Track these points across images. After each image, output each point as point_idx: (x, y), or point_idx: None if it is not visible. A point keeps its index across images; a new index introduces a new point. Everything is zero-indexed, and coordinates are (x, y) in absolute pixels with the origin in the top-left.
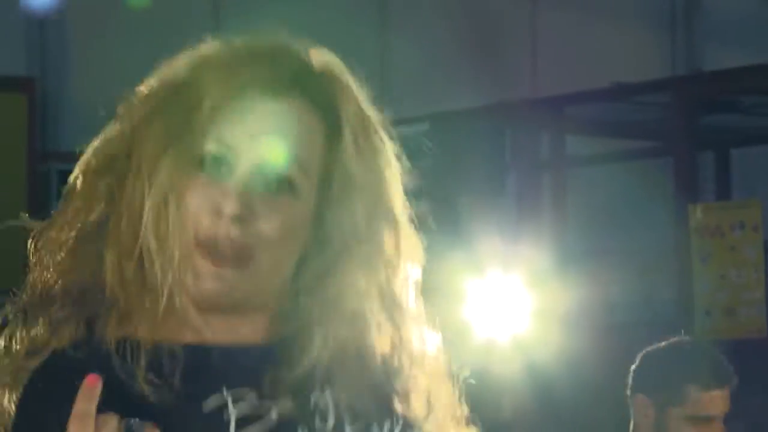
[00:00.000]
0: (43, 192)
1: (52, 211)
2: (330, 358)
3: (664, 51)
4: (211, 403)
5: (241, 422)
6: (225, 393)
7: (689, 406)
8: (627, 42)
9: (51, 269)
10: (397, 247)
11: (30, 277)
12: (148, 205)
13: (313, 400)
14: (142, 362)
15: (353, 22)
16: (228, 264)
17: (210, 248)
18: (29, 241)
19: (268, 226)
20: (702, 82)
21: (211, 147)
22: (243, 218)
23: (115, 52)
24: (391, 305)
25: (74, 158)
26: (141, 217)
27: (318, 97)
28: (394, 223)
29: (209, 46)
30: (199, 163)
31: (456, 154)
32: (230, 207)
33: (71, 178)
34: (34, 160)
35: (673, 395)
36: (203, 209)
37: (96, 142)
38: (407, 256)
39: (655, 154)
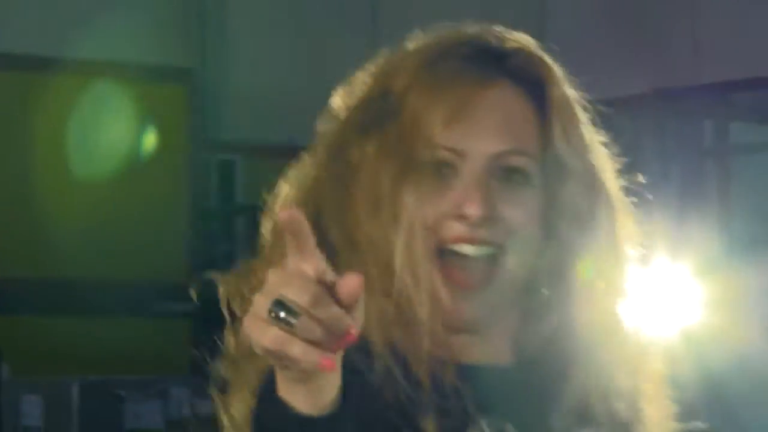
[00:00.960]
0: (204, 182)
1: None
2: (591, 386)
3: None
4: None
5: None
6: (484, 426)
7: None
8: None
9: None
10: (619, 233)
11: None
12: (378, 224)
13: None
14: (392, 366)
15: (510, 9)
16: (474, 281)
17: (455, 260)
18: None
19: (513, 221)
20: None
21: (433, 152)
22: (489, 218)
23: (273, 42)
24: (618, 305)
25: (234, 148)
26: (373, 240)
27: (524, 80)
28: (613, 209)
29: (402, 51)
30: (423, 171)
31: (616, 142)
32: (472, 209)
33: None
34: (194, 150)
35: None
36: (442, 217)
37: (296, 169)
38: (629, 243)
39: None
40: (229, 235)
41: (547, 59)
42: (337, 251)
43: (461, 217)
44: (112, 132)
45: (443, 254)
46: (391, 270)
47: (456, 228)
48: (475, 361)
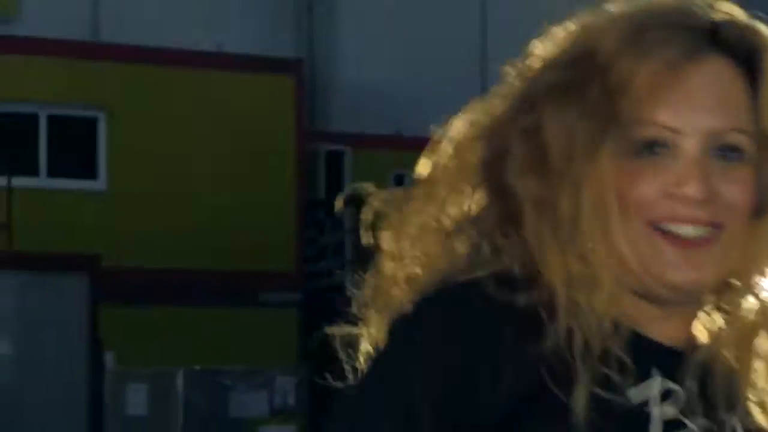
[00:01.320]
0: (312, 172)
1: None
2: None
3: None
4: (641, 390)
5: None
6: (658, 379)
7: None
8: None
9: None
10: None
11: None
12: (586, 198)
13: (727, 423)
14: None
15: None
16: (698, 246)
17: (673, 236)
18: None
19: (731, 201)
20: None
21: (647, 130)
22: (708, 199)
23: (381, 33)
24: None
25: (342, 139)
26: (578, 211)
27: (734, 53)
28: None
29: (608, 14)
30: (634, 148)
31: None
32: (693, 189)
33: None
34: (303, 140)
35: None
36: (657, 197)
37: (475, 111)
38: None
39: None
40: (337, 225)
41: (763, 30)
42: (518, 202)
43: (679, 197)
44: (220, 123)
45: (659, 231)
46: (579, 229)
47: (673, 207)
48: (650, 335)
